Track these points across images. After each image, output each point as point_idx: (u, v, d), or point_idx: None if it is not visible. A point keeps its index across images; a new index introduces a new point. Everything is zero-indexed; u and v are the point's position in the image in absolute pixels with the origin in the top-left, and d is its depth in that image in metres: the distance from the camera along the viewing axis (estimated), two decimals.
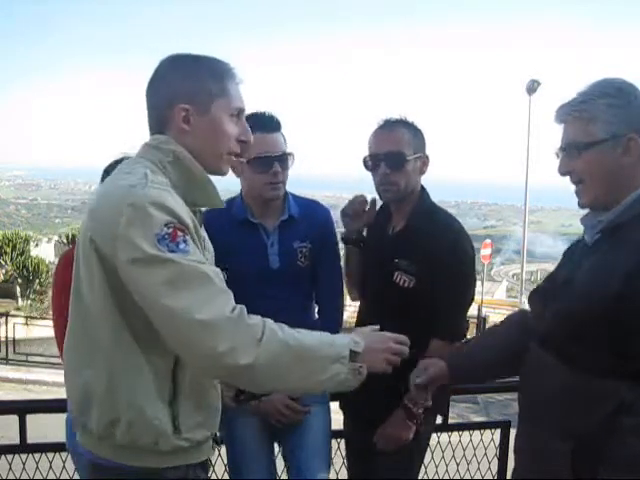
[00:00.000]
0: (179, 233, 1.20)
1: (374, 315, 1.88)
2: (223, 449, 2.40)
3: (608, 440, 1.27)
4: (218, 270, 1.27)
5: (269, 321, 1.27)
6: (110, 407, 1.29)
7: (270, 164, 1.98)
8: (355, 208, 2.14)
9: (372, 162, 2.02)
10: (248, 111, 2.01)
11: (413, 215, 2.04)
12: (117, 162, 1.99)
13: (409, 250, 1.97)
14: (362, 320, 2.12)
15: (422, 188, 2.08)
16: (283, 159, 2.02)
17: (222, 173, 1.45)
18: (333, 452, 2.24)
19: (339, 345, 1.29)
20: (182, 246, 1.20)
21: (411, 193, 2.04)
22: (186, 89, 1.35)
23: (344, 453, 2.39)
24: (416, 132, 2.03)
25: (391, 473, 2.05)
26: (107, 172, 2.03)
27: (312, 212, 2.15)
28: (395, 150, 1.97)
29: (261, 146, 1.94)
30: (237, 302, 2.06)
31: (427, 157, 2.06)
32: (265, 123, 1.99)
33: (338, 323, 2.20)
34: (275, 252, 2.06)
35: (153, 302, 1.18)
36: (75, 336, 1.35)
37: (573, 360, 1.33)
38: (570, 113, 1.39)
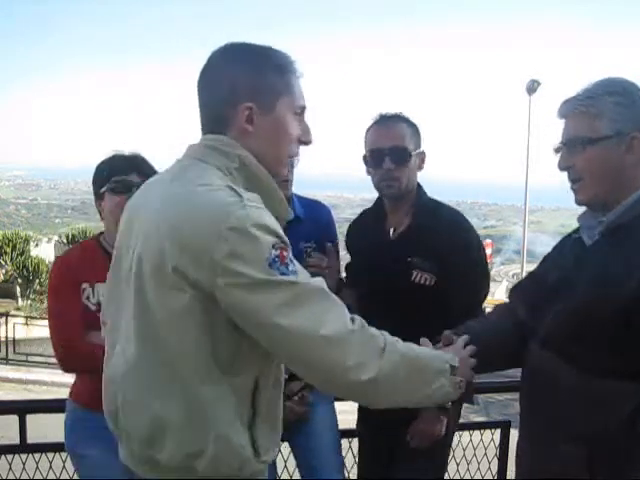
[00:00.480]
0: (284, 254, 1.13)
1: (388, 320, 1.75)
2: None
3: (627, 441, 1.26)
4: (323, 280, 1.19)
5: (384, 332, 1.21)
6: (191, 439, 1.19)
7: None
8: (314, 263, 2.04)
9: (374, 157, 1.98)
10: None
11: (417, 212, 2.01)
12: (109, 159, 1.98)
13: (421, 248, 1.93)
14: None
15: (418, 185, 2.06)
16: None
17: (281, 178, 1.34)
18: (344, 452, 2.24)
19: (441, 359, 1.27)
20: (291, 267, 1.13)
21: (411, 190, 2.02)
22: (249, 85, 1.22)
23: (346, 453, 2.39)
24: (414, 127, 2.01)
25: (424, 473, 1.99)
26: (99, 169, 1.99)
27: (315, 212, 2.15)
28: (400, 145, 1.94)
29: None
30: None
31: (424, 153, 2.04)
32: None
33: None
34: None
35: (269, 325, 1.10)
36: (141, 366, 1.21)
37: (581, 361, 1.31)
38: (576, 107, 1.38)
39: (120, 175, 1.92)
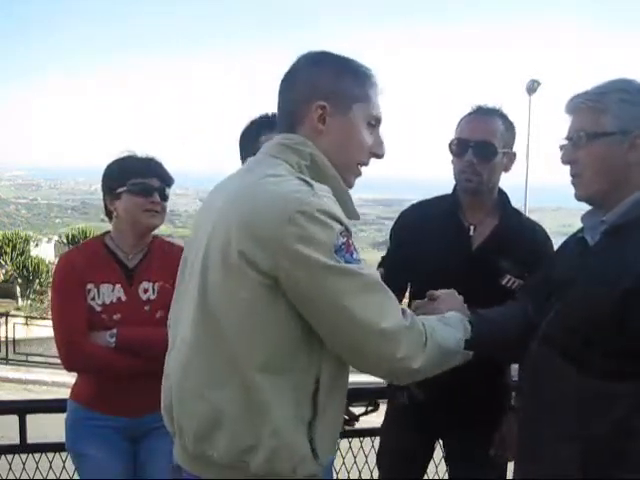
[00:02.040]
0: (350, 242, 1.14)
1: None
2: None
3: (622, 441, 1.26)
4: (378, 272, 1.23)
5: (426, 321, 1.24)
6: (246, 432, 1.16)
7: None
8: None
9: (459, 147, 1.89)
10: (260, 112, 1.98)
11: (505, 214, 1.93)
12: (128, 160, 1.98)
13: (509, 252, 1.84)
14: None
15: (500, 188, 1.98)
16: None
17: (349, 185, 1.31)
18: (344, 452, 2.22)
19: (460, 338, 1.30)
20: (355, 255, 1.14)
21: (492, 188, 1.93)
22: (327, 86, 1.25)
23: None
24: (509, 125, 1.92)
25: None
26: (106, 169, 1.99)
27: None
28: (487, 139, 1.86)
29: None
30: None
31: (514, 154, 1.95)
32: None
33: None
34: None
35: (334, 309, 1.11)
36: (199, 354, 1.21)
37: (580, 361, 1.32)
38: (584, 102, 1.38)
39: (139, 177, 1.92)
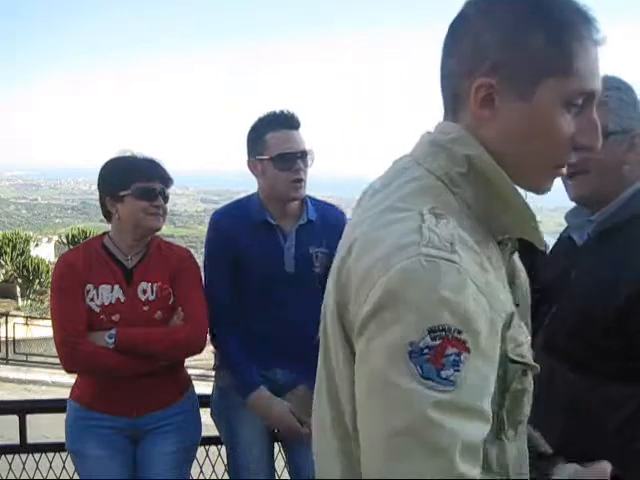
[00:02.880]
0: (450, 349, 0.69)
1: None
2: (223, 449, 2.41)
3: (621, 445, 1.24)
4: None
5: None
6: None
7: (293, 161, 1.93)
8: None
9: None
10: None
11: None
12: (131, 161, 1.97)
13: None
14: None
15: None
16: (305, 156, 1.97)
17: (541, 191, 0.90)
18: None
19: None
20: (447, 373, 0.68)
21: None
22: (497, 49, 0.80)
23: None
24: None
25: None
26: (105, 169, 1.98)
27: (329, 216, 2.10)
28: None
29: (285, 143, 1.92)
30: (250, 309, 2.00)
31: None
32: (287, 120, 1.96)
33: None
34: (291, 256, 2.01)
35: (373, 436, 0.72)
36: (321, 417, 0.90)
37: (577, 364, 1.31)
38: None
39: (143, 180, 1.90)
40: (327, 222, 2.07)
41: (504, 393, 0.80)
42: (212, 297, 2.00)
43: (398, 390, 0.69)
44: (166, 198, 1.96)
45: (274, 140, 1.93)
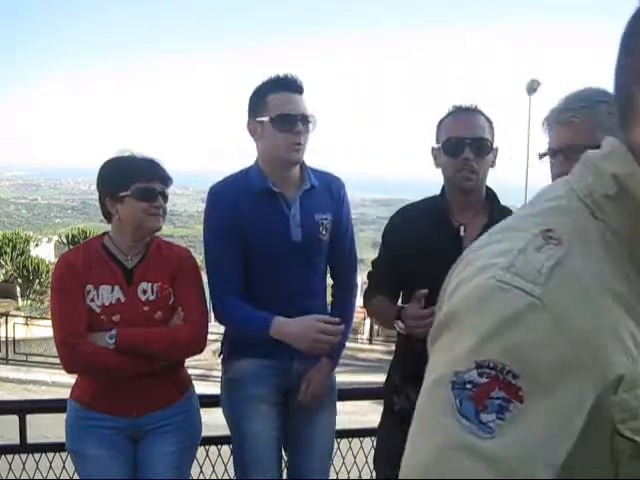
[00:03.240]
0: (498, 392, 0.58)
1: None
2: (223, 449, 2.41)
3: None
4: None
5: None
6: None
7: (293, 123, 1.88)
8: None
9: (453, 146, 1.87)
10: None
11: (495, 212, 1.92)
12: (130, 162, 1.95)
13: None
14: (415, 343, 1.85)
15: (486, 185, 1.98)
16: (306, 120, 1.92)
17: None
18: (344, 452, 2.23)
19: None
20: (487, 417, 0.57)
21: (482, 187, 1.95)
22: None
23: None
24: (490, 122, 1.94)
25: None
26: (104, 169, 1.97)
27: (330, 183, 2.06)
28: (482, 136, 1.87)
29: (285, 104, 1.89)
30: (255, 282, 1.96)
31: (497, 149, 1.96)
32: (290, 83, 1.92)
33: (353, 306, 2.18)
34: (297, 224, 1.95)
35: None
36: None
37: None
38: (575, 116, 1.39)
39: (143, 181, 1.90)
40: (328, 188, 2.04)
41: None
42: (216, 272, 1.96)
43: (432, 418, 0.62)
44: (166, 198, 1.96)
45: (275, 101, 1.89)
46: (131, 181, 1.89)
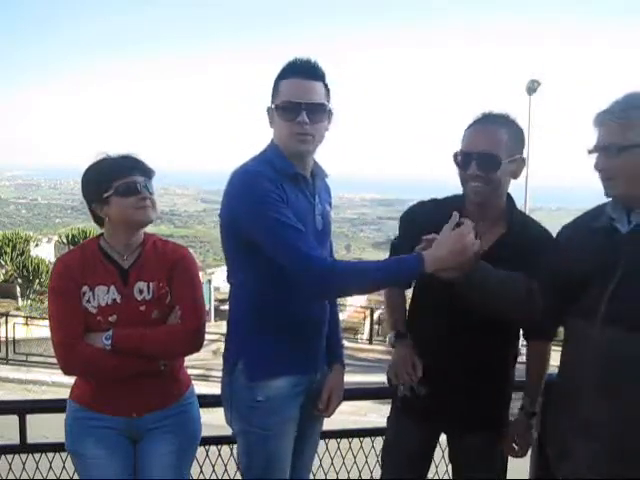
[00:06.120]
0: None
1: (462, 330, 1.86)
2: (223, 449, 2.41)
3: None
4: None
5: None
6: None
7: (297, 112, 1.75)
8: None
9: (463, 159, 1.87)
10: None
11: (513, 225, 1.92)
12: (109, 163, 1.91)
13: (512, 263, 1.78)
14: (428, 332, 1.99)
15: (508, 194, 1.96)
16: (314, 109, 1.77)
17: None
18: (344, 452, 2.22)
19: None
20: None
21: (499, 196, 1.93)
22: None
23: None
24: (515, 132, 1.89)
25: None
26: (84, 177, 1.94)
27: (323, 174, 1.97)
28: (489, 151, 1.82)
29: (292, 91, 1.76)
30: (282, 270, 1.76)
31: (523, 160, 1.91)
32: (302, 68, 1.79)
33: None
34: (320, 212, 1.90)
35: None
36: None
37: None
38: (611, 119, 1.57)
39: (122, 177, 1.87)
40: (324, 179, 1.99)
41: None
42: (288, 230, 1.70)
43: None
44: (151, 189, 1.92)
45: (284, 87, 1.79)
46: (111, 180, 1.87)
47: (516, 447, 2.02)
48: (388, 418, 2.19)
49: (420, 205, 2.10)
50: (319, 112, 1.79)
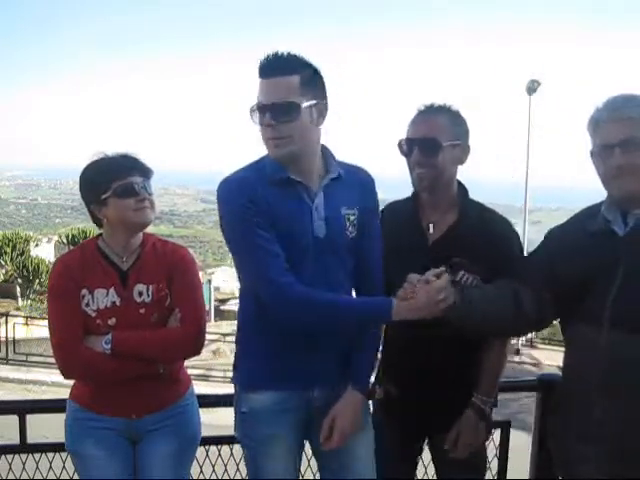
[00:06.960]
0: None
1: (419, 323, 1.67)
2: (223, 449, 2.40)
3: None
4: None
5: None
6: None
7: (262, 115, 1.63)
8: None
9: (406, 147, 1.91)
10: None
11: (464, 211, 1.94)
12: (106, 163, 1.89)
13: (466, 249, 1.84)
14: (399, 331, 1.95)
15: (459, 182, 1.98)
16: (279, 109, 1.61)
17: None
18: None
19: None
20: None
21: (447, 184, 1.94)
22: None
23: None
24: (456, 119, 1.92)
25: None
26: (82, 177, 1.92)
27: (358, 176, 1.84)
28: (429, 136, 1.86)
29: (258, 93, 1.65)
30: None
31: (468, 146, 1.94)
32: (263, 67, 1.63)
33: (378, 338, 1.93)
34: (321, 217, 1.72)
35: None
36: None
37: None
38: (631, 116, 1.57)
39: (121, 178, 1.85)
40: (355, 181, 1.81)
41: None
42: (260, 263, 1.64)
43: None
44: (149, 190, 1.90)
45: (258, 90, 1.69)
46: (110, 181, 1.84)
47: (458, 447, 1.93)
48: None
49: (384, 208, 2.08)
50: (286, 111, 1.62)
